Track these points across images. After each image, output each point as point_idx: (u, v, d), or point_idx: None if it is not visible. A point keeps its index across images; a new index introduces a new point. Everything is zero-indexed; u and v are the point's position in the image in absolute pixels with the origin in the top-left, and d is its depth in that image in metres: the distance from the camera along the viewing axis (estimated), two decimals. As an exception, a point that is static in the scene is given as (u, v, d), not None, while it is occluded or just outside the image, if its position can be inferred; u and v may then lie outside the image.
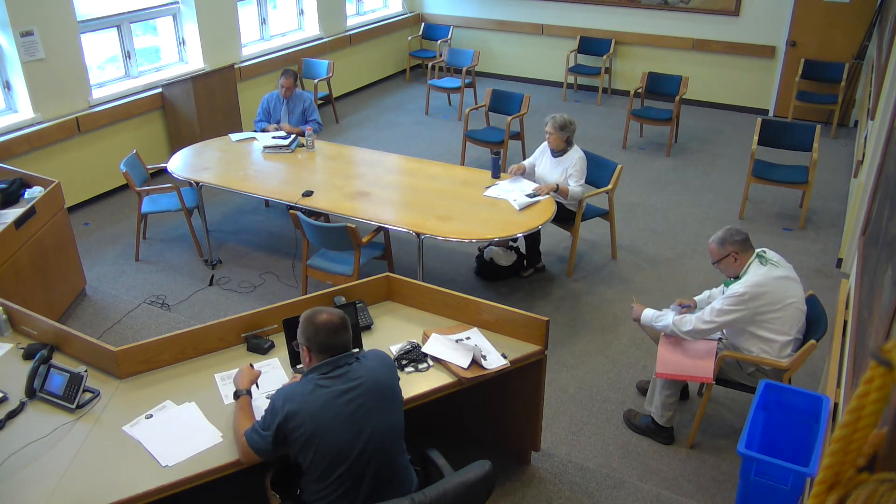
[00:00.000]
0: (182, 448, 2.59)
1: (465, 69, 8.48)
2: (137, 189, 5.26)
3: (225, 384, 2.94)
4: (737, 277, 3.36)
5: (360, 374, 2.43)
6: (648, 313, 3.58)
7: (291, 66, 7.94)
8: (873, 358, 0.88)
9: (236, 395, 2.70)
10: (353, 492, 2.39)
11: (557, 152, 4.96)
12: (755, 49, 8.23)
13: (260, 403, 2.78)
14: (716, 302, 3.35)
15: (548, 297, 4.93)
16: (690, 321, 3.38)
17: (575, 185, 4.85)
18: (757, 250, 3.36)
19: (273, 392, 2.52)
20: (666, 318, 3.49)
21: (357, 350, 2.91)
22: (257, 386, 2.79)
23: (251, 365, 2.83)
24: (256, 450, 2.44)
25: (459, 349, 3.04)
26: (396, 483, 2.48)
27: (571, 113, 8.33)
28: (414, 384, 2.90)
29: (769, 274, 3.27)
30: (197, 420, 2.73)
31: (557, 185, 4.79)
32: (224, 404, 2.82)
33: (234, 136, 5.84)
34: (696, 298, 3.77)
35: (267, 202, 6.06)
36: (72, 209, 5.91)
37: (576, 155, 4.91)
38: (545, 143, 5.02)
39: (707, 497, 3.35)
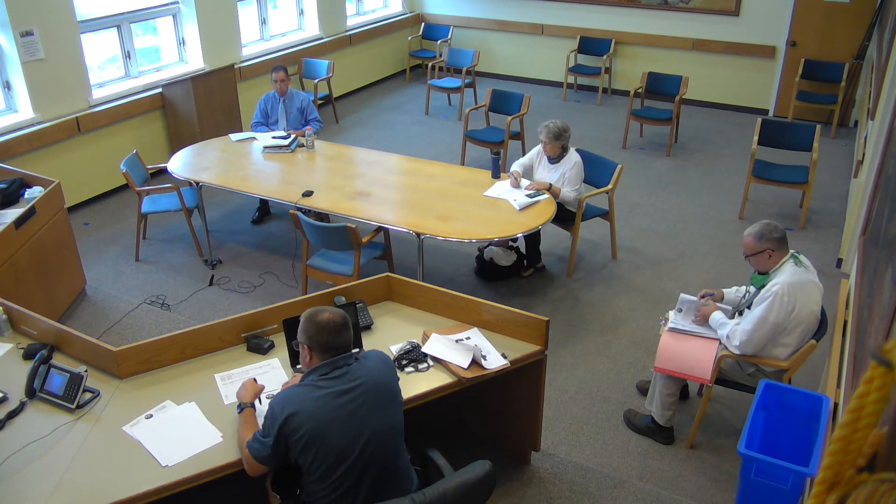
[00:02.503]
0: (182, 448, 2.59)
1: (465, 69, 8.48)
2: (137, 189, 5.26)
3: (225, 384, 2.94)
4: (764, 273, 3.33)
5: (359, 375, 2.42)
6: (717, 317, 3.45)
7: (290, 66, 7.93)
8: (873, 358, 0.88)
9: (240, 409, 2.67)
10: (354, 492, 2.39)
11: (554, 158, 4.96)
12: (755, 49, 8.23)
13: (262, 407, 2.78)
14: (755, 311, 3.25)
15: (548, 297, 4.93)
16: (738, 335, 3.28)
17: (570, 191, 4.85)
18: (791, 251, 3.30)
19: (271, 397, 2.50)
20: (726, 327, 3.37)
21: (357, 350, 2.91)
22: (259, 401, 2.77)
23: (255, 379, 2.81)
24: (258, 458, 2.42)
25: (459, 349, 3.04)
26: (396, 483, 2.48)
27: (571, 113, 8.43)
28: (414, 384, 2.90)
29: (805, 276, 3.23)
30: (197, 420, 2.73)
31: (551, 184, 4.80)
32: (224, 404, 2.82)
33: (234, 136, 5.84)
34: (724, 290, 3.70)
35: (254, 219, 5.99)
36: (72, 209, 5.91)
37: (573, 160, 4.91)
38: (541, 144, 5.01)
39: (707, 497, 3.35)
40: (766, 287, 3.25)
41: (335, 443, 2.34)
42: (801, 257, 3.32)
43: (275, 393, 2.85)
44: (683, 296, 3.63)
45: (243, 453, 2.50)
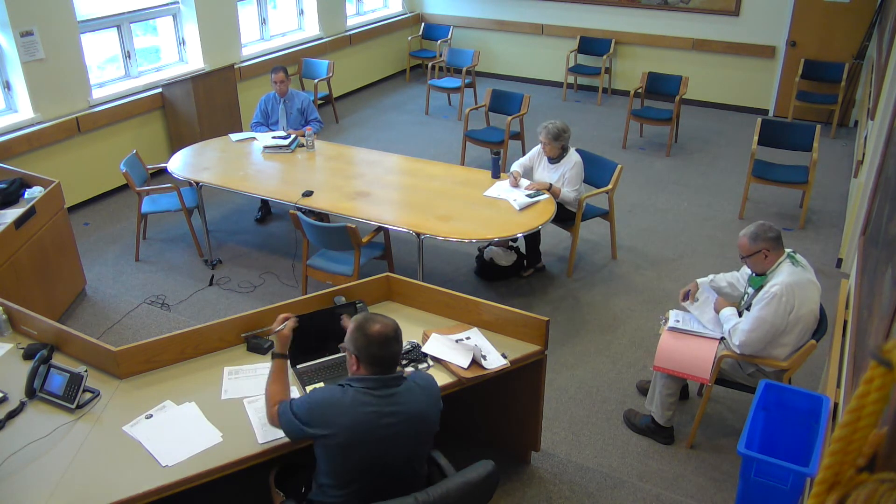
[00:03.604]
0: (182, 448, 2.59)
1: (465, 69, 8.48)
2: (137, 189, 5.26)
3: (230, 379, 2.95)
4: (762, 274, 3.33)
5: (405, 401, 2.36)
6: (727, 312, 3.44)
7: (290, 66, 7.93)
8: (873, 358, 0.88)
9: (273, 355, 2.65)
10: (367, 501, 2.39)
11: (554, 159, 4.95)
12: (755, 49, 8.23)
13: (262, 405, 2.77)
14: (754, 311, 3.25)
15: (548, 297, 4.93)
16: (738, 334, 3.28)
17: (569, 192, 4.85)
18: (787, 250, 3.30)
19: (315, 390, 2.44)
20: (731, 322, 3.37)
21: (403, 369, 2.87)
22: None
23: (286, 319, 2.69)
24: (287, 431, 2.40)
25: (459, 349, 3.04)
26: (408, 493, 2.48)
27: (571, 113, 8.43)
28: (414, 384, 2.90)
29: (802, 276, 3.23)
30: (197, 420, 2.73)
31: (551, 184, 4.80)
32: (222, 400, 2.83)
33: (234, 136, 5.84)
34: (699, 281, 3.69)
35: (257, 217, 6.00)
36: (72, 209, 5.91)
37: (573, 160, 4.91)
38: (540, 145, 5.00)
39: (707, 497, 3.36)
40: (765, 288, 3.25)
41: (364, 459, 2.32)
42: (798, 256, 3.31)
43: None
44: (706, 287, 3.62)
45: (270, 410, 2.47)
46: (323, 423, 2.30)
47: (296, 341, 3.01)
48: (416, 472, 2.48)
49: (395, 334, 2.36)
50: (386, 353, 2.34)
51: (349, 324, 2.41)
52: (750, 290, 3.45)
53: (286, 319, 2.71)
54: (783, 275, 3.23)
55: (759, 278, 3.34)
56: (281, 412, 2.42)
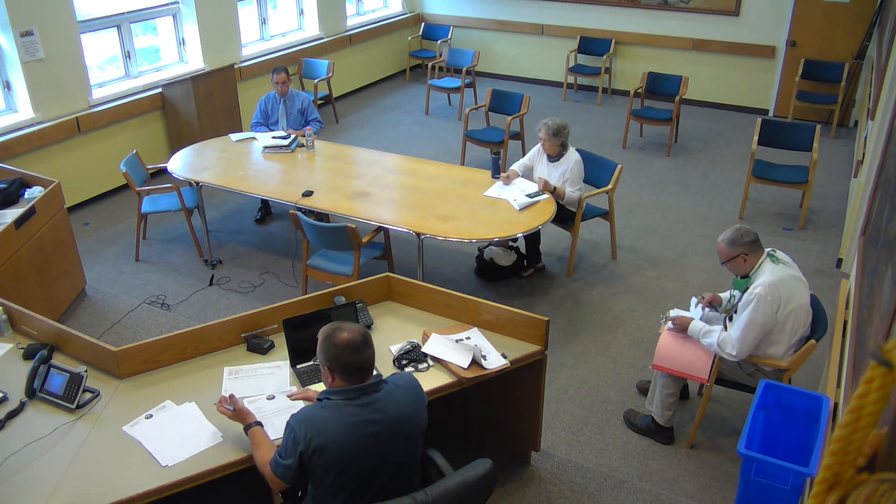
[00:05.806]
0: (182, 448, 2.59)
1: (465, 69, 8.48)
2: (137, 189, 5.26)
3: (230, 379, 2.95)
4: (745, 276, 3.34)
5: (387, 406, 2.33)
6: (696, 326, 3.43)
7: (290, 66, 7.93)
8: (873, 358, 0.88)
9: (246, 430, 2.57)
10: None
11: (554, 157, 4.95)
12: (755, 49, 8.23)
13: (261, 406, 2.78)
14: (742, 315, 3.24)
15: (548, 297, 4.93)
16: (731, 343, 3.27)
17: (573, 192, 4.86)
18: (767, 250, 3.32)
19: (291, 417, 2.37)
20: (713, 335, 3.36)
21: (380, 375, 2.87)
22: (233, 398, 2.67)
23: (227, 398, 2.61)
24: (284, 479, 2.37)
25: (459, 349, 3.04)
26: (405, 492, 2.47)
27: (571, 113, 8.43)
28: (414, 384, 2.90)
29: (784, 272, 3.24)
30: (197, 420, 2.73)
31: (556, 187, 4.80)
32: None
33: (234, 136, 5.83)
34: (722, 295, 3.69)
35: (257, 218, 6.01)
36: (72, 209, 5.91)
37: (573, 159, 4.91)
38: (540, 144, 5.00)
39: (707, 497, 3.36)
40: (749, 290, 3.26)
41: (357, 471, 2.31)
42: (778, 254, 3.33)
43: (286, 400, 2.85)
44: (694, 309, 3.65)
45: (266, 473, 2.43)
46: (307, 445, 2.25)
47: (295, 342, 3.02)
48: (409, 473, 2.47)
49: (364, 339, 2.33)
50: (359, 359, 2.30)
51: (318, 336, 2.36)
52: (736, 294, 3.46)
53: (225, 401, 2.60)
54: (765, 274, 3.25)
55: (742, 281, 3.36)
56: (273, 467, 2.39)
